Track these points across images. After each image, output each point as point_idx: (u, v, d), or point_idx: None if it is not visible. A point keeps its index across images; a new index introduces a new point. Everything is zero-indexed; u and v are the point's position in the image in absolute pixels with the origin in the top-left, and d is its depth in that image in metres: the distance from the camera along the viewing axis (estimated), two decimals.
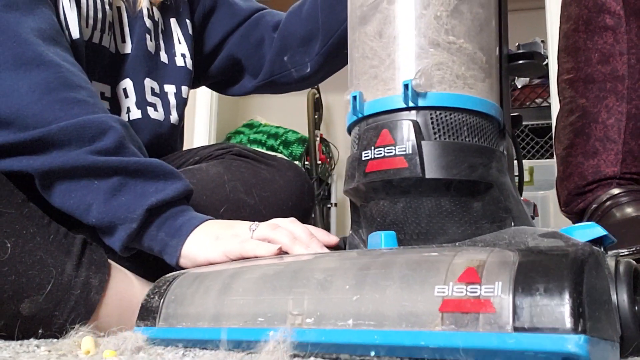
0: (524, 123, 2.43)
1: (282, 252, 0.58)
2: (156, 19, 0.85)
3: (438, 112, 0.54)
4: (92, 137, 0.61)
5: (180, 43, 0.89)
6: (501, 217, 0.55)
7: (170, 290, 0.53)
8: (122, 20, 0.81)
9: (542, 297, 0.35)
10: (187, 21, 0.90)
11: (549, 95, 1.77)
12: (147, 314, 0.52)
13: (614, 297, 0.42)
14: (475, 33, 0.57)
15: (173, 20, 0.87)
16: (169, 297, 0.52)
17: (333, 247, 0.62)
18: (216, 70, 0.97)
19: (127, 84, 0.82)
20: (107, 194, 0.62)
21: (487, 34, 0.58)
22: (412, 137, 0.53)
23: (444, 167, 0.52)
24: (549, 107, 1.86)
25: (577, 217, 0.86)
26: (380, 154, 0.54)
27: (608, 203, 0.80)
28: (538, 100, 2.37)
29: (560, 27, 0.90)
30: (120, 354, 0.46)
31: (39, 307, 0.58)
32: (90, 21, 0.75)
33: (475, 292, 0.37)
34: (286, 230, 0.61)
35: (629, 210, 0.76)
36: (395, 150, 0.53)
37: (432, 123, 0.54)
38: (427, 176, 0.51)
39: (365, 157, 0.55)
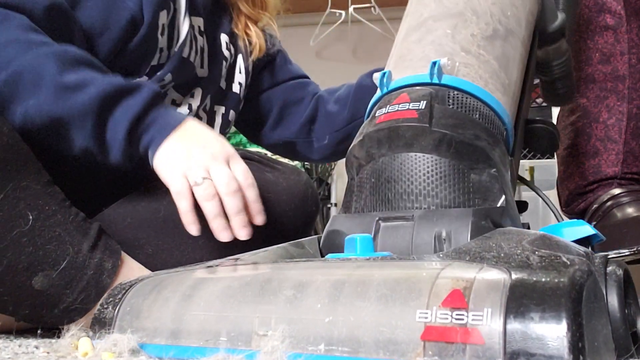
0: None
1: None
2: (231, 52, 0.95)
3: (456, 92, 0.56)
4: (30, 90, 0.62)
5: (240, 73, 0.97)
6: (494, 197, 0.54)
7: (125, 299, 0.48)
8: (205, 49, 0.89)
9: (537, 328, 0.31)
10: (250, 59, 0.99)
11: None
12: (100, 325, 0.47)
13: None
14: (502, 63, 0.62)
15: (240, 56, 0.97)
16: (124, 307, 0.47)
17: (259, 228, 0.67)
18: (250, 107, 1.04)
19: (197, 93, 0.90)
20: (97, 139, 0.65)
21: (511, 72, 0.63)
22: (428, 98, 0.55)
23: (451, 126, 0.53)
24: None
25: (578, 217, 0.85)
26: (394, 109, 0.55)
27: (609, 203, 0.78)
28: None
29: None
30: (118, 355, 0.43)
31: (51, 283, 0.60)
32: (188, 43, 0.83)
33: (462, 319, 0.33)
34: (217, 206, 0.64)
35: (630, 210, 0.75)
36: (409, 105, 0.55)
37: (449, 99, 0.56)
38: (433, 128, 0.53)
39: (378, 114, 0.56)
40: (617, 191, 0.79)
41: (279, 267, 0.45)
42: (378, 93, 0.61)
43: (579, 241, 0.56)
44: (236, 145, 1.81)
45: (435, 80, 0.57)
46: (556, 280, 0.32)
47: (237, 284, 0.43)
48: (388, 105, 0.57)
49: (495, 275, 0.35)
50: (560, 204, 0.88)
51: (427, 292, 0.35)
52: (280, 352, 0.36)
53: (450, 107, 0.56)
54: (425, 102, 0.55)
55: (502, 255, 0.40)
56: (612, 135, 0.80)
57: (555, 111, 0.93)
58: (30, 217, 0.59)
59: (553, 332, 0.30)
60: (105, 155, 0.66)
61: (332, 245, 0.55)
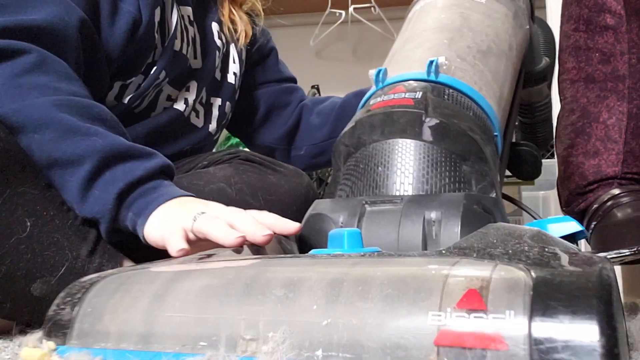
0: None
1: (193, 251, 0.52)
2: (223, 41, 0.93)
3: (452, 91, 0.56)
4: (36, 125, 0.59)
5: (234, 63, 0.96)
6: (485, 191, 0.53)
7: (86, 299, 0.42)
8: (196, 39, 0.87)
9: (567, 333, 0.28)
10: (242, 48, 0.98)
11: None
12: (56, 328, 0.42)
13: None
14: (496, 77, 0.63)
15: (232, 45, 0.96)
16: (84, 308, 0.42)
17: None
18: (238, 103, 1.01)
19: (193, 86, 0.88)
20: (81, 190, 0.60)
21: (503, 88, 0.64)
22: (425, 90, 0.54)
23: (446, 115, 0.53)
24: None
25: (578, 217, 0.84)
26: (390, 97, 0.54)
27: (609, 203, 0.78)
28: None
29: (560, 27, 0.89)
30: None
31: (50, 289, 0.59)
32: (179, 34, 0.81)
33: (481, 322, 0.30)
34: (222, 221, 0.54)
35: (630, 210, 0.75)
36: (405, 95, 0.54)
37: (445, 95, 0.56)
38: (428, 115, 0.52)
39: (373, 102, 0.55)
40: (617, 191, 0.79)
41: (265, 263, 0.41)
42: (372, 88, 0.60)
43: (563, 238, 0.55)
44: (236, 146, 1.79)
45: (432, 78, 0.56)
46: (584, 280, 0.30)
47: (218, 282, 0.39)
48: (383, 95, 0.55)
49: (514, 273, 0.32)
50: (561, 204, 0.88)
51: (439, 292, 0.32)
52: (280, 353, 0.32)
53: (447, 100, 0.56)
54: (421, 93, 0.54)
55: (511, 251, 0.37)
56: (612, 135, 0.79)
57: (555, 111, 0.93)
58: (28, 224, 0.58)
59: (586, 337, 0.27)
60: (81, 208, 0.61)
61: (313, 231, 0.52)
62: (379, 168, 0.52)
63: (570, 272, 0.31)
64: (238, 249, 0.50)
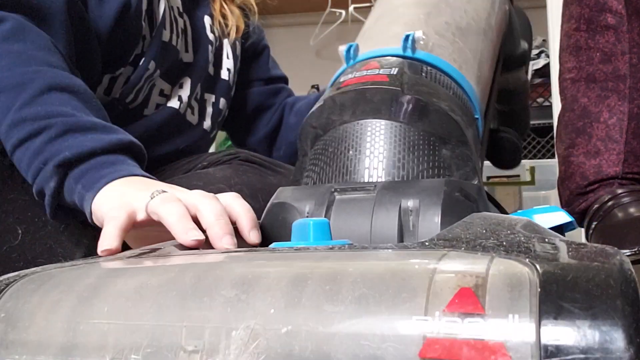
0: None
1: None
2: (216, 35, 0.91)
3: (430, 68, 0.51)
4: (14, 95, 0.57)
5: (228, 58, 0.94)
6: (467, 178, 0.48)
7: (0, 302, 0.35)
8: (187, 31, 0.86)
9: (586, 340, 0.22)
10: (237, 43, 0.95)
11: (550, 95, 1.78)
12: None
13: None
14: (476, 57, 0.58)
15: (226, 40, 0.94)
16: None
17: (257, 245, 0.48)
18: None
19: (186, 83, 0.87)
20: (31, 157, 0.56)
21: (484, 69, 0.60)
22: (401, 66, 0.49)
23: (425, 93, 0.48)
24: (550, 106, 1.90)
25: (579, 217, 0.83)
26: (362, 74, 0.49)
27: (610, 203, 0.77)
28: (539, 100, 2.36)
29: (561, 26, 0.89)
30: None
31: None
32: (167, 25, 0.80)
33: (478, 328, 0.24)
34: (182, 207, 0.47)
35: (631, 210, 0.74)
36: (379, 71, 0.49)
37: (423, 72, 0.51)
38: (405, 92, 0.47)
39: (343, 79, 0.50)
40: (618, 191, 0.78)
41: (214, 258, 0.35)
42: (343, 66, 0.55)
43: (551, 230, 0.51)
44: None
45: (409, 54, 0.52)
46: (603, 275, 0.24)
47: (156, 281, 0.32)
48: (355, 72, 0.50)
49: (515, 268, 0.26)
50: (561, 203, 0.87)
51: (424, 292, 0.26)
52: (248, 353, 0.25)
53: (424, 76, 0.51)
54: (397, 69, 0.49)
55: (506, 243, 0.31)
56: (613, 135, 0.79)
57: (556, 111, 0.91)
58: (20, 231, 0.58)
59: (610, 346, 0.22)
60: (31, 182, 0.56)
61: (276, 222, 0.46)
62: (350, 152, 0.47)
63: (585, 266, 0.25)
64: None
